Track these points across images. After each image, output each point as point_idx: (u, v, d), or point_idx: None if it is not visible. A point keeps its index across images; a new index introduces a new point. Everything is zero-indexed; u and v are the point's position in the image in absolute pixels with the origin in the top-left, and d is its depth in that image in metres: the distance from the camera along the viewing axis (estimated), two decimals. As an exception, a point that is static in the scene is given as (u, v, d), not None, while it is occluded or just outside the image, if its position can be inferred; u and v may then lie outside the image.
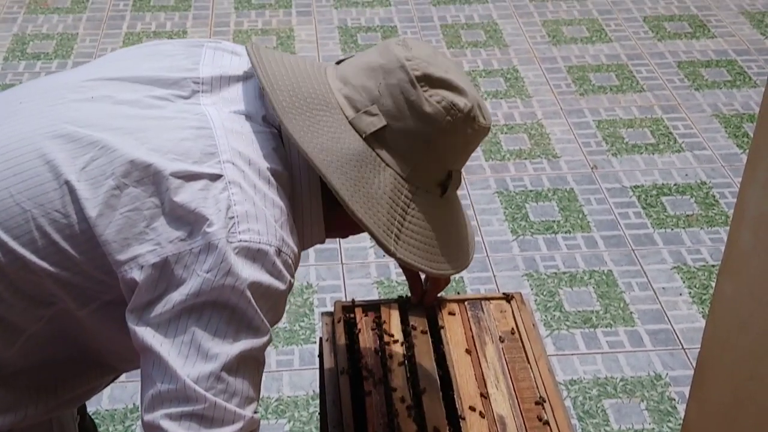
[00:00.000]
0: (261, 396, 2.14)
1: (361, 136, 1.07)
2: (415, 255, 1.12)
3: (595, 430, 2.11)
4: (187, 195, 0.99)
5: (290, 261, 1.03)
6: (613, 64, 3.59)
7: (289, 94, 1.07)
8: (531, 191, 2.88)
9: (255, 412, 1.02)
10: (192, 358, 0.97)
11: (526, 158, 3.04)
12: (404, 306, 1.50)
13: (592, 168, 3.00)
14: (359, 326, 1.47)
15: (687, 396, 2.16)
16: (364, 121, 1.08)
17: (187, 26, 3.82)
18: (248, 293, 0.98)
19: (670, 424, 2.12)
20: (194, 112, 1.06)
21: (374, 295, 2.45)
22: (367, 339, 1.45)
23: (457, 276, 2.53)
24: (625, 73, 3.53)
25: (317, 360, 2.25)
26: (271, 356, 2.25)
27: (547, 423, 1.31)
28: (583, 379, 2.23)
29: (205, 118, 1.05)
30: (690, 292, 2.50)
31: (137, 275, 0.98)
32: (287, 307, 2.42)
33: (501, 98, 3.36)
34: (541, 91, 3.41)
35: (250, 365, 1.01)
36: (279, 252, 1.01)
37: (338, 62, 1.17)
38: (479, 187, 2.89)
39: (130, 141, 1.02)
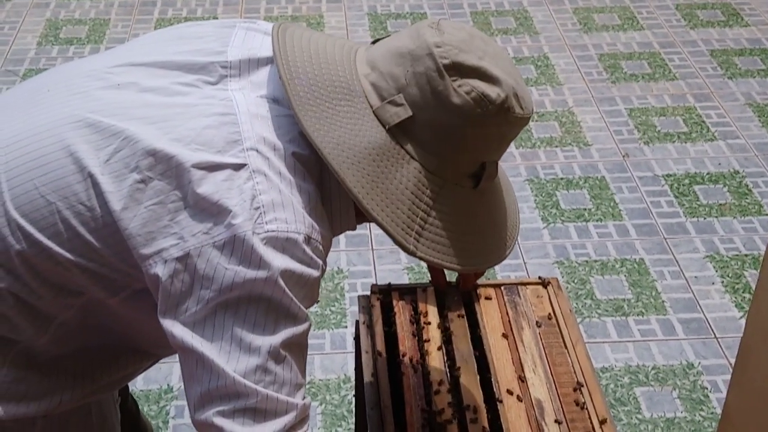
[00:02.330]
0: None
1: (384, 127, 1.03)
2: (439, 252, 1.07)
3: (627, 417, 2.10)
4: (209, 186, 0.97)
5: (320, 247, 1.01)
6: (645, 52, 3.56)
7: (308, 83, 1.03)
8: (562, 179, 2.87)
9: (304, 398, 1.01)
10: (235, 353, 0.95)
11: (557, 146, 3.03)
12: (440, 290, 1.51)
13: (623, 156, 2.98)
14: (395, 309, 1.48)
15: (719, 385, 2.16)
16: (389, 111, 1.03)
17: (218, 12, 3.83)
18: (282, 282, 0.96)
19: (702, 413, 2.11)
20: (220, 98, 1.04)
21: (404, 281, 2.46)
22: (403, 322, 1.45)
23: (487, 263, 2.53)
24: (658, 61, 3.50)
25: (348, 344, 2.27)
26: (303, 340, 2.25)
27: (584, 407, 1.31)
28: (614, 366, 2.23)
29: (230, 103, 1.03)
30: (723, 281, 2.48)
31: (161, 270, 0.97)
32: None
33: (531, 86, 3.34)
34: (572, 79, 3.39)
35: (294, 352, 0.99)
36: (308, 239, 0.99)
37: (375, 41, 1.13)
38: (510, 174, 2.88)
39: (153, 131, 1.00)
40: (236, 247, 0.95)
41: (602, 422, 1.29)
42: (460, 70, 1.02)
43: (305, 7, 3.89)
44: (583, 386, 1.34)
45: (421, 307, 1.48)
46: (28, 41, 3.61)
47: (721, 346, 2.28)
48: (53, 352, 1.10)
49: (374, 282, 2.44)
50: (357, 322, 1.49)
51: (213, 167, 0.97)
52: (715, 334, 2.32)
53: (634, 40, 3.65)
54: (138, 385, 2.15)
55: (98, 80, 1.08)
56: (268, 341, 0.96)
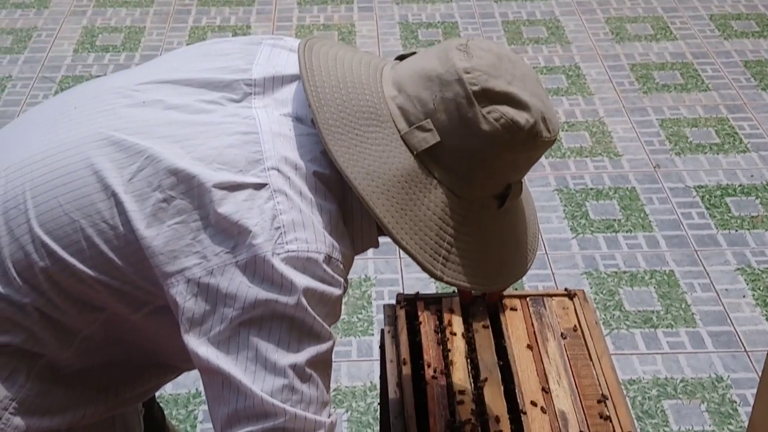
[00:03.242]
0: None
1: (412, 152, 1.03)
2: (465, 275, 1.07)
3: (654, 430, 2.09)
4: (230, 206, 0.97)
5: (341, 266, 1.02)
6: (677, 63, 3.54)
7: (337, 110, 1.03)
8: (592, 189, 2.86)
9: (330, 415, 1.01)
10: (261, 372, 0.95)
11: (587, 156, 3.02)
12: (465, 301, 1.51)
13: (654, 167, 2.96)
14: (421, 318, 1.49)
15: (749, 399, 2.13)
16: (417, 137, 1.03)
17: (251, 21, 3.87)
18: (304, 302, 0.96)
19: (731, 427, 2.09)
20: (243, 116, 1.04)
21: (431, 290, 2.46)
22: (428, 331, 1.46)
23: (515, 272, 2.52)
24: (690, 71, 3.48)
25: (375, 351, 2.28)
26: (330, 347, 2.27)
27: (608, 419, 1.31)
28: (642, 379, 2.22)
29: (253, 122, 1.03)
30: (754, 294, 2.46)
31: (183, 288, 0.97)
32: (345, 299, 2.44)
33: (562, 95, 3.34)
34: (603, 89, 3.38)
35: (319, 370, 0.99)
36: (329, 259, 0.99)
37: (400, 57, 1.13)
38: (539, 184, 2.88)
39: (176, 150, 1.01)
40: (258, 268, 0.96)
41: (626, 435, 1.29)
42: (489, 96, 1.02)
43: (337, 16, 3.92)
44: (608, 399, 1.34)
45: (446, 316, 1.48)
46: (64, 48, 3.68)
47: (750, 360, 2.26)
48: (77, 366, 1.10)
49: (401, 290, 2.46)
50: (382, 330, 1.50)
51: (234, 187, 0.98)
52: (745, 347, 2.30)
53: (667, 50, 3.63)
54: (167, 389, 2.18)
55: (124, 98, 1.09)
56: (293, 360, 0.96)
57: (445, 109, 1.02)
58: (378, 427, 2.03)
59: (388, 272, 2.55)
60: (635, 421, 2.10)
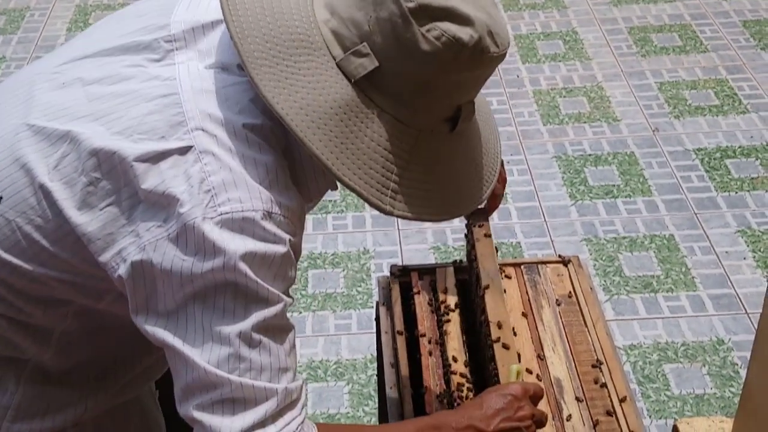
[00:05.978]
0: (320, 359, 2.18)
1: (350, 80, 0.95)
2: (418, 206, 1.01)
3: (655, 394, 2.09)
4: (155, 179, 0.92)
5: (284, 220, 0.95)
6: (676, 24, 3.50)
7: (263, 39, 0.95)
8: (590, 155, 2.85)
9: (293, 381, 0.97)
10: (208, 343, 0.92)
11: (585, 122, 3.00)
12: (460, 269, 1.50)
13: (653, 131, 2.94)
14: (415, 289, 1.48)
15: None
16: (353, 63, 0.95)
17: (244, -6, 3.83)
18: (242, 267, 0.91)
19: (732, 389, 2.09)
20: (163, 78, 0.99)
21: (431, 260, 2.45)
22: (422, 302, 1.46)
23: (514, 241, 2.52)
24: (689, 33, 3.44)
25: (374, 324, 2.28)
26: (330, 320, 2.28)
27: (604, 385, 1.30)
28: (643, 343, 2.21)
29: (173, 82, 0.97)
30: (754, 256, 2.45)
31: (123, 270, 0.94)
32: (344, 273, 2.44)
33: (560, 61, 3.31)
34: (601, 54, 3.35)
35: (272, 335, 0.95)
36: (269, 215, 0.93)
37: None
38: (537, 151, 2.86)
39: (96, 128, 0.96)
40: (189, 237, 0.91)
41: (622, 400, 1.28)
42: (427, 12, 0.93)
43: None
44: (602, 364, 1.33)
45: (440, 286, 1.48)
46: (57, 27, 3.65)
47: (752, 322, 2.25)
48: (65, 362, 1.08)
49: (400, 262, 2.45)
50: (377, 303, 1.50)
51: (157, 157, 0.93)
52: (746, 309, 2.29)
53: (665, 12, 3.59)
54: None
55: (44, 82, 1.04)
56: (239, 327, 0.92)
57: (381, 30, 0.94)
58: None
59: (387, 244, 2.54)
60: (637, 386, 2.10)
